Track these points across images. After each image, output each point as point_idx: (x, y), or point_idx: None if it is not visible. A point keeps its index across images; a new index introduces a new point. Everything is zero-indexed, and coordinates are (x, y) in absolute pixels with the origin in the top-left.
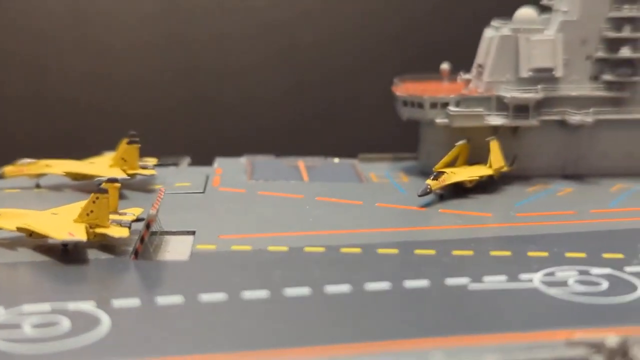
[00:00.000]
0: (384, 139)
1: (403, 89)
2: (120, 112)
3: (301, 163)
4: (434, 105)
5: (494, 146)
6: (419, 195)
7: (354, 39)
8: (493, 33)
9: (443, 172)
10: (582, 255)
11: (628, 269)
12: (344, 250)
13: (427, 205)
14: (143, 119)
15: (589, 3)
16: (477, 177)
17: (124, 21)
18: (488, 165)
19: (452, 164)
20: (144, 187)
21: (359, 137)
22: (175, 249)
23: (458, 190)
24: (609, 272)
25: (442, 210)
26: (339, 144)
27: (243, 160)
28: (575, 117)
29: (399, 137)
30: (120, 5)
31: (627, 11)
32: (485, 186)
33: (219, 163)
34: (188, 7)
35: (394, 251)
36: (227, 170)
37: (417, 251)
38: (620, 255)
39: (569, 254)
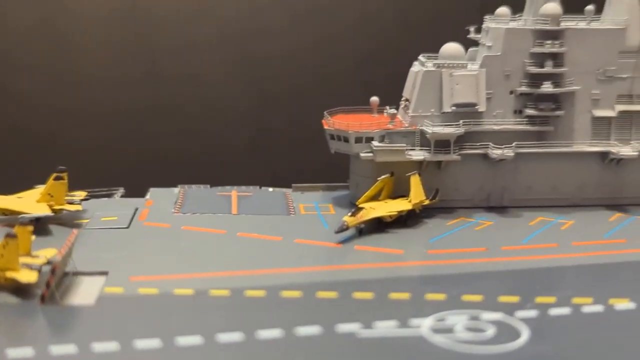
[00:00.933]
0: (319, 168)
1: (331, 122)
2: (57, 143)
3: (234, 193)
4: (359, 139)
5: (414, 181)
6: (336, 232)
7: (289, 71)
8: (418, 68)
9: (362, 208)
10: (479, 298)
11: (519, 313)
12: (249, 293)
13: (345, 241)
14: (80, 149)
15: (512, 39)
16: (396, 212)
17: (57, 54)
18: (409, 199)
19: (376, 196)
20: (71, 221)
21: (294, 166)
22: (85, 292)
23: (379, 225)
24: (499, 318)
25: (357, 247)
26: (276, 172)
27: (176, 190)
28: (497, 152)
29: (334, 166)
30: (51, 39)
31: (549, 47)
32: (407, 219)
33: (152, 194)
34: (122, 45)
35: (297, 294)
36: (158, 202)
37: (320, 293)
38: (515, 299)
39: (465, 297)
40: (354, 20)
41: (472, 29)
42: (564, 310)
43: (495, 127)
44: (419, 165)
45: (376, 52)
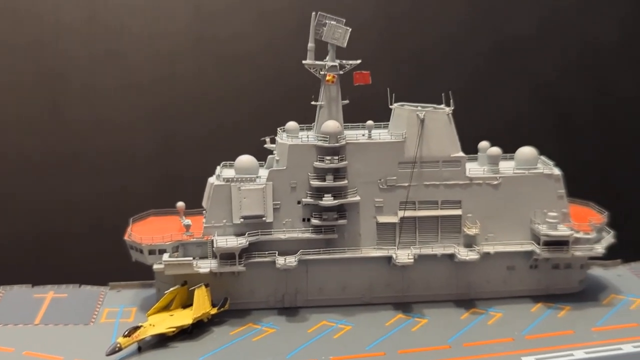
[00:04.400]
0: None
1: (131, 232)
2: None
3: (51, 295)
4: (152, 252)
5: (198, 294)
6: (107, 355)
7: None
8: (213, 180)
9: (138, 327)
10: None
11: None
12: None
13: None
14: None
15: (296, 154)
16: (175, 328)
17: None
18: (193, 312)
19: (168, 306)
20: None
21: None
22: None
23: (163, 339)
24: None
25: None
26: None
27: None
28: (280, 262)
29: None
30: None
31: (328, 162)
32: (193, 329)
33: None
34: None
35: None
36: None
37: None
38: None
39: None
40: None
41: (267, 139)
42: None
43: (283, 237)
44: (218, 274)
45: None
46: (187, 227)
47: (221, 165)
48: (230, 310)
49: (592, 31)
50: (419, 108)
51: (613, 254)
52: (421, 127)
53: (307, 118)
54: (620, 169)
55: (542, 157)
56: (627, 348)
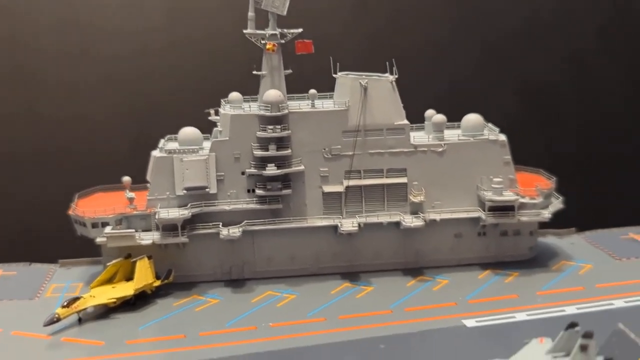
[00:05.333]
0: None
1: (75, 207)
2: None
3: (0, 271)
4: (95, 225)
5: (139, 266)
6: (44, 325)
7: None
8: (156, 153)
9: (78, 298)
10: None
11: None
12: None
13: (59, 331)
14: None
15: (239, 124)
16: (116, 299)
17: None
18: (134, 284)
19: (111, 279)
20: None
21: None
22: None
23: (105, 309)
24: None
25: (64, 339)
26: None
27: None
28: (224, 232)
29: None
30: None
31: (271, 131)
32: (136, 301)
33: None
34: None
35: None
36: None
37: None
38: None
39: None
40: None
41: (212, 111)
42: None
43: (227, 208)
44: (162, 245)
45: None
46: (131, 200)
47: (165, 138)
48: (176, 284)
49: None
50: (363, 77)
51: (568, 223)
52: (364, 95)
53: (254, 91)
54: (572, 138)
55: (490, 125)
56: (570, 310)
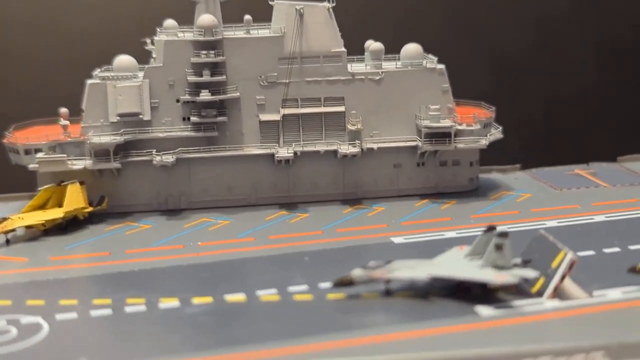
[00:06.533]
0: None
1: (11, 136)
2: None
3: None
4: (28, 151)
5: (70, 190)
6: None
7: None
8: (90, 80)
9: (6, 219)
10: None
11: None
12: None
13: None
14: None
15: (172, 50)
16: (44, 221)
17: None
18: (64, 207)
19: (43, 205)
20: None
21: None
22: None
23: (35, 234)
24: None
25: None
26: None
27: None
28: (157, 159)
29: None
30: None
31: (204, 57)
32: (68, 225)
33: None
34: None
35: None
36: None
37: None
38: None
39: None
40: None
41: (148, 40)
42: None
43: (161, 135)
44: (96, 173)
45: None
46: (65, 127)
47: (102, 68)
48: (112, 212)
49: None
50: (300, 3)
51: (514, 161)
52: (300, 21)
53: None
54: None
55: (430, 56)
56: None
